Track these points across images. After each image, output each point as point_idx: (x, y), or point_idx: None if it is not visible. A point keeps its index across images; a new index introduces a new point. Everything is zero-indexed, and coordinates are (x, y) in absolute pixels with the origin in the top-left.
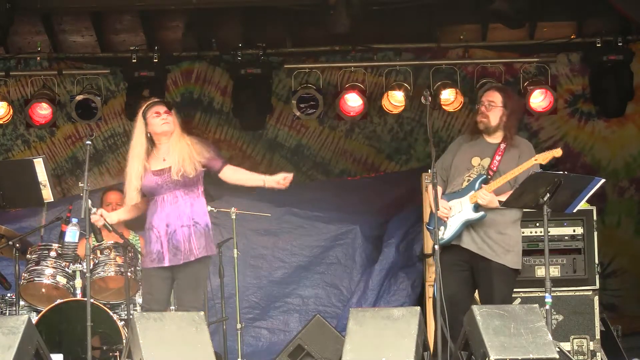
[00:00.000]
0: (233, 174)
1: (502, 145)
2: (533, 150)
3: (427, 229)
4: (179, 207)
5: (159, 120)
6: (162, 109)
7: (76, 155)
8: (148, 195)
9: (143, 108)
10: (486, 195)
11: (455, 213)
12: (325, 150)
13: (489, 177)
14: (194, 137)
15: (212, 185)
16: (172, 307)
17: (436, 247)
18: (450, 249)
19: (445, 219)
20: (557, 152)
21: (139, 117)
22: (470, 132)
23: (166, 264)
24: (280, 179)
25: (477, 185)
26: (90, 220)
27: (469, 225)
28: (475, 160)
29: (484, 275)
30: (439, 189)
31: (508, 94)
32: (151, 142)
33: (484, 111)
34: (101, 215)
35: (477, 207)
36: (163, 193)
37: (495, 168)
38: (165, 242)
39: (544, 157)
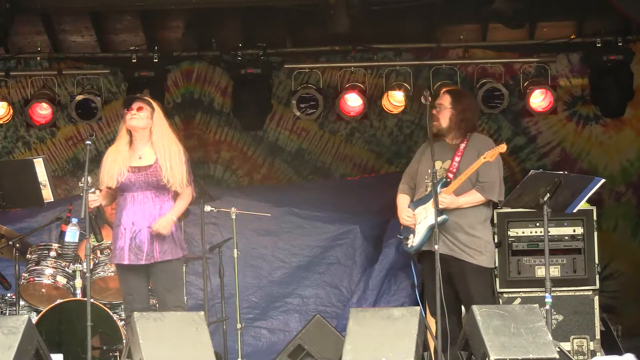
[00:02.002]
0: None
1: (462, 146)
2: (493, 147)
3: (398, 237)
4: (148, 208)
5: (129, 115)
6: (135, 105)
7: (77, 157)
8: (118, 191)
9: (124, 102)
10: (445, 199)
11: (422, 220)
12: (325, 154)
13: (449, 180)
14: (181, 148)
15: (211, 185)
16: (157, 304)
17: (436, 246)
18: (427, 257)
19: (412, 227)
20: (502, 148)
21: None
22: (433, 137)
23: (125, 262)
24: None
25: (438, 190)
26: (89, 220)
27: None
28: (437, 164)
29: (460, 277)
30: (407, 197)
31: (456, 95)
32: (131, 137)
33: (435, 114)
34: (99, 197)
35: (440, 212)
36: (134, 191)
37: (454, 169)
38: (128, 240)
39: (491, 154)
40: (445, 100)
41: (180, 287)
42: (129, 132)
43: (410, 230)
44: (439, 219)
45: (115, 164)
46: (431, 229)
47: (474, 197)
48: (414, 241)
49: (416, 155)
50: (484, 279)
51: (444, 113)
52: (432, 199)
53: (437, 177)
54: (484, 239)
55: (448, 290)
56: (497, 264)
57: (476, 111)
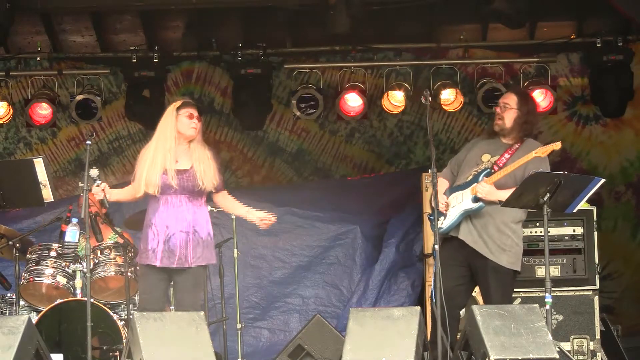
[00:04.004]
0: (224, 200)
1: (516, 146)
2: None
3: (429, 218)
4: (181, 212)
5: (190, 122)
6: (195, 112)
7: (80, 157)
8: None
9: (178, 104)
10: (484, 187)
11: (456, 204)
12: (325, 155)
13: (493, 171)
14: (210, 149)
15: None
16: (172, 307)
17: (436, 247)
18: (448, 244)
19: (444, 212)
20: (557, 145)
21: (172, 111)
22: (488, 132)
23: (157, 264)
24: (262, 218)
25: (480, 178)
26: (89, 220)
27: (468, 216)
28: (486, 157)
29: (481, 274)
30: (446, 183)
31: (524, 97)
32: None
33: (499, 112)
34: (103, 190)
35: (477, 199)
36: (168, 194)
37: (501, 164)
38: (161, 242)
39: (544, 150)
40: (512, 100)
41: (200, 290)
42: (175, 136)
43: (441, 213)
44: (475, 205)
45: (152, 171)
46: (465, 213)
47: None
48: (443, 223)
49: (467, 145)
50: (503, 278)
51: (509, 113)
52: (471, 186)
53: (482, 167)
54: (513, 239)
55: (459, 284)
56: None
57: (538, 115)
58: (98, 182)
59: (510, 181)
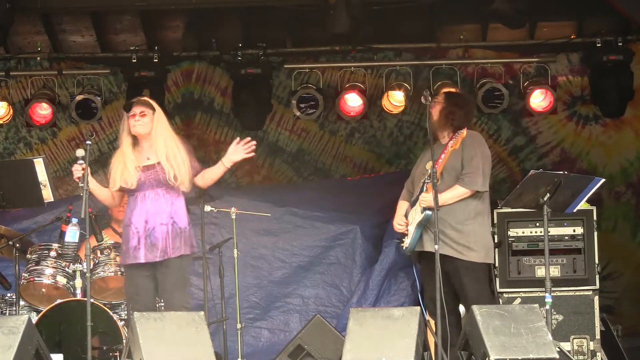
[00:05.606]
0: (202, 178)
1: (450, 143)
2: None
3: (396, 240)
4: (159, 205)
5: (132, 121)
6: (137, 109)
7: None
8: (128, 191)
9: (125, 106)
10: (425, 196)
11: (412, 220)
12: (325, 155)
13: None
14: (178, 138)
15: (211, 185)
16: (162, 304)
17: (436, 247)
18: (423, 257)
19: (405, 231)
20: (462, 134)
21: (124, 115)
22: (433, 139)
23: (142, 260)
24: (234, 150)
25: (424, 188)
26: (89, 220)
27: (425, 227)
28: (429, 165)
29: (454, 275)
30: (406, 203)
31: (450, 92)
32: (135, 139)
33: (430, 109)
34: (83, 169)
35: (424, 209)
36: (144, 190)
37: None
38: (142, 238)
39: (455, 142)
40: (440, 97)
41: (187, 287)
42: (131, 135)
43: (404, 234)
44: (421, 216)
45: (123, 166)
46: (419, 227)
47: (457, 191)
48: (406, 243)
49: (418, 160)
50: (476, 275)
51: (436, 108)
52: (419, 200)
53: (427, 176)
54: (475, 234)
55: (446, 290)
56: (497, 264)
57: (467, 109)
58: (81, 162)
59: (452, 179)
